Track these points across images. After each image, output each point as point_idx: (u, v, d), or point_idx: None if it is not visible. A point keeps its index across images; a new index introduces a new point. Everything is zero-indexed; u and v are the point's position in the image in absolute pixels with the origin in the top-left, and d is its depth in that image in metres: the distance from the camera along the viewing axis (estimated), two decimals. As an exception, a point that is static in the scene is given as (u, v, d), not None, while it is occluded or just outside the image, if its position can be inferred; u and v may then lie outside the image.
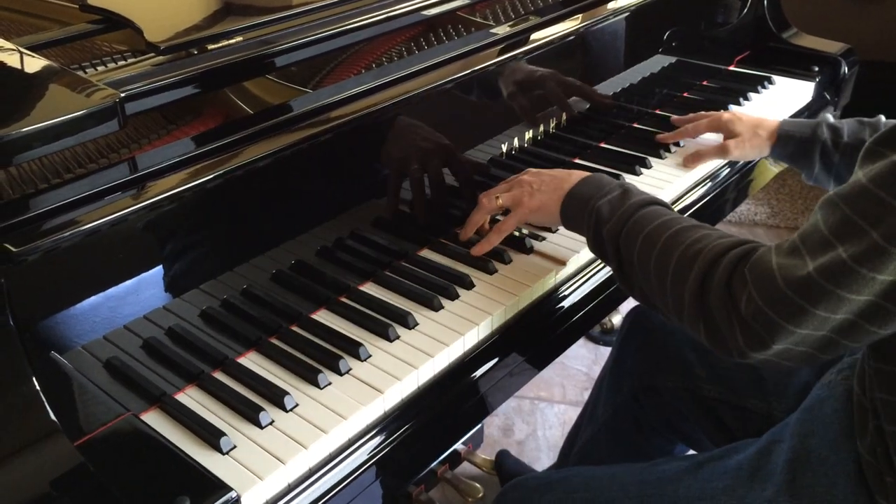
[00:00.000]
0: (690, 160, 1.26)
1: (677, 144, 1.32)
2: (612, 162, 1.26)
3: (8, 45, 0.83)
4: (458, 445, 1.43)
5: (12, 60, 0.81)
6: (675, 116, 1.37)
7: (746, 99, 1.50)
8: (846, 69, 1.59)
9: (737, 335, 0.73)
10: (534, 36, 1.17)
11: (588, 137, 1.32)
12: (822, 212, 0.70)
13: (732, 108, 1.44)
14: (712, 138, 1.30)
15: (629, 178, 1.21)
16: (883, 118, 1.12)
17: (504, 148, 1.17)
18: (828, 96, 1.59)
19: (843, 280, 0.67)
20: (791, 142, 1.18)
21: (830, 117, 1.16)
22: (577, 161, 1.28)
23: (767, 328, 0.71)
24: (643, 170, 1.25)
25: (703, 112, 1.33)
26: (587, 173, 0.99)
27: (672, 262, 0.80)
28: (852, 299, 0.67)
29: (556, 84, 1.22)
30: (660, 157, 1.29)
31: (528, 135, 1.20)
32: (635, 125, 1.40)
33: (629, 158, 1.27)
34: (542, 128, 1.22)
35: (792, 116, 1.49)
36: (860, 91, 1.67)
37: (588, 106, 1.30)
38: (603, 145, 1.34)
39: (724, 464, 0.89)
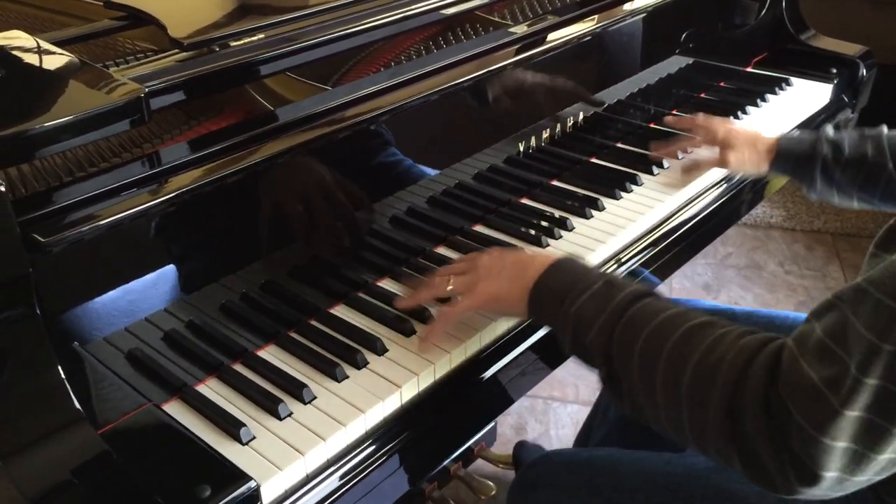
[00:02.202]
0: (688, 168, 1.23)
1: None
2: (627, 161, 1.27)
3: (35, 40, 0.84)
4: (472, 443, 1.44)
5: (39, 56, 0.82)
6: (668, 117, 1.33)
7: (764, 100, 1.50)
8: (864, 72, 1.59)
9: (787, 470, 0.61)
10: (550, 36, 1.17)
11: (591, 144, 1.32)
12: (853, 305, 0.61)
13: (733, 119, 1.40)
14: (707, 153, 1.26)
15: (634, 187, 1.20)
16: (885, 128, 1.10)
17: (521, 147, 1.17)
18: (846, 99, 1.59)
19: None
20: (790, 158, 1.15)
21: (831, 130, 1.14)
22: (594, 161, 1.29)
23: (839, 461, 0.60)
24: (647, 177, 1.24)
25: (700, 116, 1.27)
26: (555, 256, 0.84)
27: (685, 376, 0.66)
28: None
29: (558, 91, 1.22)
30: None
31: (546, 133, 1.21)
32: (650, 124, 1.40)
33: (640, 158, 1.27)
34: (558, 128, 1.22)
35: (810, 118, 1.49)
36: (878, 93, 1.66)
37: (590, 112, 1.30)
38: (619, 145, 1.34)
39: None
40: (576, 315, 0.76)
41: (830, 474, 0.60)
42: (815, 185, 1.13)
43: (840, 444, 0.59)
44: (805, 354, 0.61)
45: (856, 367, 0.58)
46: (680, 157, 1.27)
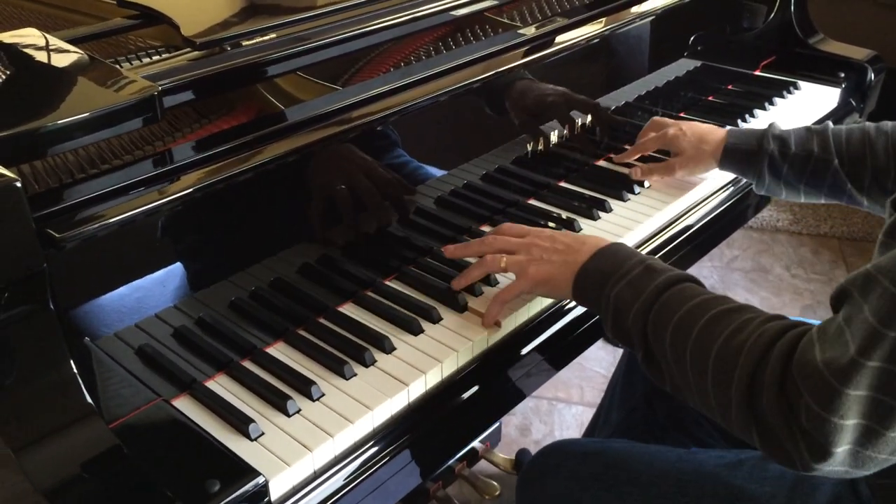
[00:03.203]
0: (639, 173, 1.21)
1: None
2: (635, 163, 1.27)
3: (49, 38, 0.85)
4: (477, 444, 1.44)
5: (53, 54, 0.83)
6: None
7: (772, 104, 1.51)
8: (872, 76, 1.59)
9: (800, 447, 0.65)
10: (559, 38, 1.18)
11: (599, 146, 1.33)
12: (862, 296, 0.63)
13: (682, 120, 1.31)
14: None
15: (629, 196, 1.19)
16: (831, 124, 1.11)
17: (529, 148, 1.18)
18: (853, 103, 1.59)
19: None
20: (737, 154, 1.14)
21: (778, 127, 1.14)
22: (602, 163, 1.29)
23: (851, 438, 0.63)
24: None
25: (657, 119, 1.26)
26: (604, 242, 0.88)
27: (711, 357, 0.71)
28: None
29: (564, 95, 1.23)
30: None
31: (554, 135, 1.21)
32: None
33: (648, 160, 1.28)
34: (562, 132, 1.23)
35: (818, 121, 1.49)
36: (886, 98, 1.66)
37: (598, 114, 1.31)
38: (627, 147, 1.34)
39: (764, 467, 0.88)
40: (615, 299, 0.80)
41: (841, 449, 0.63)
42: (764, 181, 1.13)
43: (849, 421, 0.62)
44: (823, 340, 0.64)
45: (856, 350, 0.61)
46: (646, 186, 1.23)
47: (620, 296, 0.80)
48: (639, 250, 1.09)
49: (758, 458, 0.90)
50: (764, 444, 0.68)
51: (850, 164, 1.07)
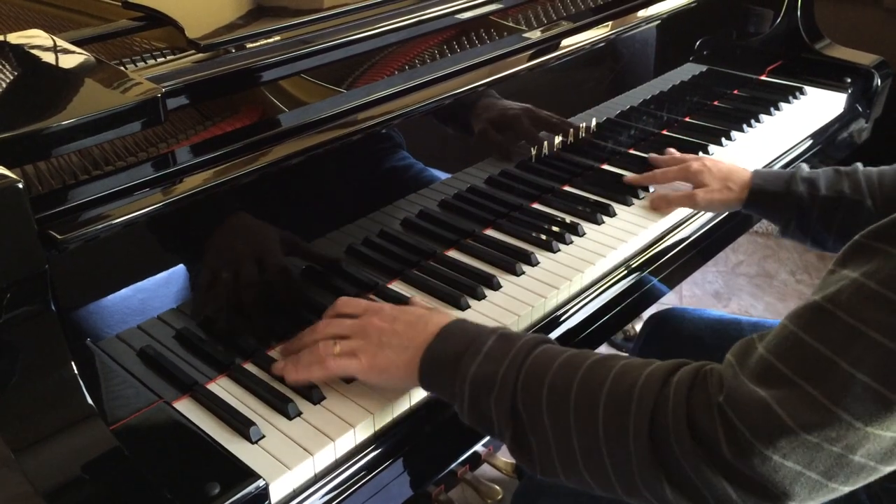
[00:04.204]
0: (657, 204, 1.17)
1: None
2: (640, 168, 1.27)
3: (54, 40, 0.85)
4: (479, 447, 1.44)
5: (58, 55, 0.83)
6: (652, 155, 1.27)
7: (777, 109, 1.50)
8: (879, 81, 1.58)
9: (727, 490, 0.58)
10: (564, 42, 1.17)
11: (604, 150, 1.32)
12: (798, 323, 0.58)
13: (705, 155, 1.32)
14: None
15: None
16: (860, 166, 1.06)
17: (533, 151, 1.18)
18: (860, 108, 1.58)
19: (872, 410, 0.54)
20: (765, 197, 1.08)
21: (805, 168, 1.08)
22: (606, 167, 1.29)
23: (788, 485, 0.57)
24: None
25: (677, 154, 1.23)
26: (447, 319, 0.78)
27: (599, 408, 0.63)
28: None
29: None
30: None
31: (557, 138, 1.21)
32: (662, 131, 1.40)
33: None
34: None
35: (824, 127, 1.48)
36: (893, 103, 1.66)
37: (603, 118, 1.31)
38: (632, 151, 1.34)
39: None
40: (473, 378, 0.71)
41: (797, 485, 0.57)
42: (789, 226, 1.06)
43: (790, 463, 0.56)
44: (749, 372, 0.59)
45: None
46: (651, 191, 1.21)
47: (479, 373, 0.70)
48: (645, 252, 1.10)
49: None
50: (677, 492, 0.60)
51: (885, 204, 0.99)
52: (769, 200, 1.08)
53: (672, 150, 1.27)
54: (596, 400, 0.63)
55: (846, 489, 0.58)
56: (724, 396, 0.58)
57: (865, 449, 0.56)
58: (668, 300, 1.36)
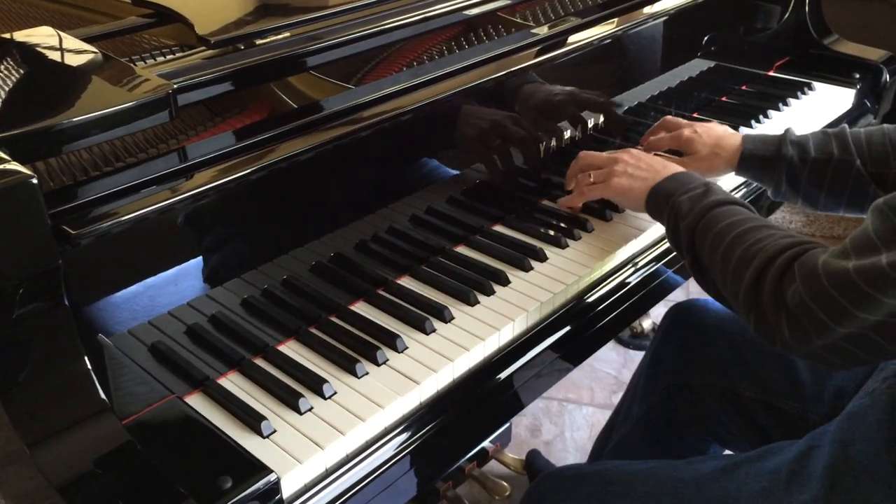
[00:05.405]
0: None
1: None
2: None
3: (64, 37, 0.86)
4: (487, 444, 1.44)
5: (69, 52, 0.84)
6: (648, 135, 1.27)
7: (786, 105, 1.50)
8: (888, 77, 1.58)
9: (783, 327, 0.78)
10: (572, 38, 1.17)
11: (612, 146, 1.32)
12: (872, 217, 0.74)
13: (700, 122, 1.27)
14: None
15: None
16: (847, 126, 1.08)
17: (542, 147, 1.18)
18: (868, 104, 1.58)
19: (881, 284, 0.69)
20: (755, 161, 1.11)
21: (794, 132, 1.11)
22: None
23: (811, 322, 0.75)
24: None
25: (670, 119, 1.24)
26: (682, 169, 1.02)
27: (733, 259, 0.85)
28: (889, 303, 0.69)
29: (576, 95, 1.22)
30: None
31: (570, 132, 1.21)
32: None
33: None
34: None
35: (833, 122, 1.48)
36: (902, 99, 1.65)
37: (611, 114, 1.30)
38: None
39: (761, 465, 0.89)
40: (675, 208, 0.95)
41: (820, 341, 0.76)
42: (781, 188, 1.10)
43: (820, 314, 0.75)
44: (831, 251, 0.77)
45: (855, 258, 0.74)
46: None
47: (679, 207, 0.94)
48: (655, 247, 1.12)
49: (753, 458, 0.91)
50: (757, 325, 0.81)
51: (874, 164, 1.03)
52: (760, 164, 1.11)
53: (667, 117, 1.27)
54: (733, 253, 0.86)
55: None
56: (798, 262, 0.79)
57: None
58: (675, 297, 1.35)
